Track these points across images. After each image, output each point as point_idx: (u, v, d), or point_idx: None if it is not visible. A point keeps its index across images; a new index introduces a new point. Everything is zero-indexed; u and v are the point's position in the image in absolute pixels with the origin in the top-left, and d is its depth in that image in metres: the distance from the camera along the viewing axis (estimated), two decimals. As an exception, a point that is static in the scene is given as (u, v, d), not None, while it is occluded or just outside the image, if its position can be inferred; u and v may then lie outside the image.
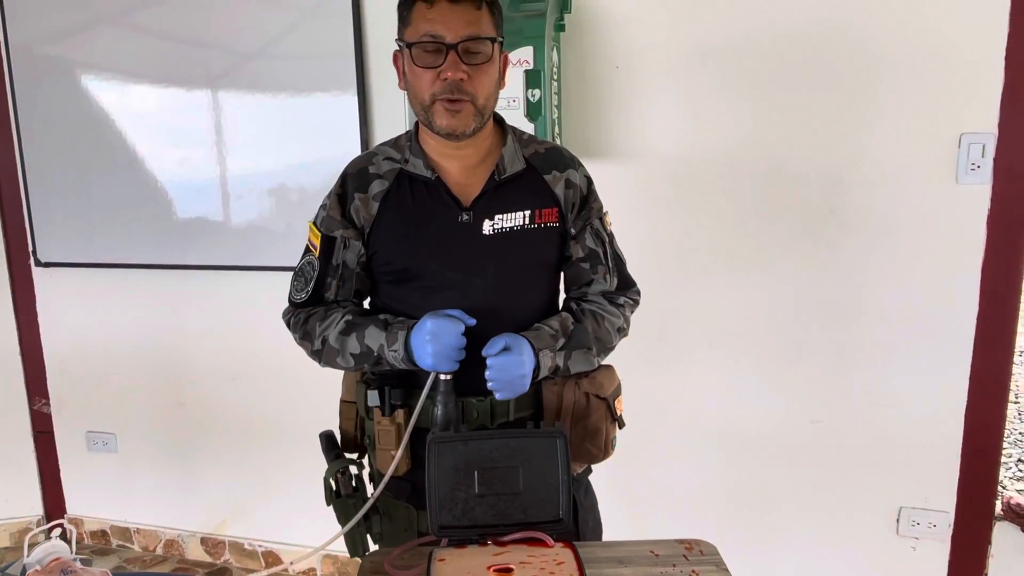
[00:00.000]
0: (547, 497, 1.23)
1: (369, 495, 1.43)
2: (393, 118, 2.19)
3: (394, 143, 1.39)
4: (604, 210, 1.44)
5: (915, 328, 1.98)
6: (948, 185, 1.89)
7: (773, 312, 2.07)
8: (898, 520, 2.06)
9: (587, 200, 1.40)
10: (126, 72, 2.43)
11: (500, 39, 1.28)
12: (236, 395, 2.56)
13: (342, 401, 1.49)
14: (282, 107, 2.30)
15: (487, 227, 1.32)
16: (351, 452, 1.48)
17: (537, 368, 1.30)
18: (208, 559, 2.68)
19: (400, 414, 1.34)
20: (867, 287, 2.00)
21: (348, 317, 1.34)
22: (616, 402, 1.44)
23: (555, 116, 1.98)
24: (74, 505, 2.81)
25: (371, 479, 1.49)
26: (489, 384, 1.27)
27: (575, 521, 1.40)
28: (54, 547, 1.21)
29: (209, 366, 2.57)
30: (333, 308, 1.37)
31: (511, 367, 1.26)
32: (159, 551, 2.73)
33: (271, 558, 2.62)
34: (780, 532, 2.15)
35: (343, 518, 1.41)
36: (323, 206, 1.37)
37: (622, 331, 1.43)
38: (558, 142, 1.99)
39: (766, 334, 2.09)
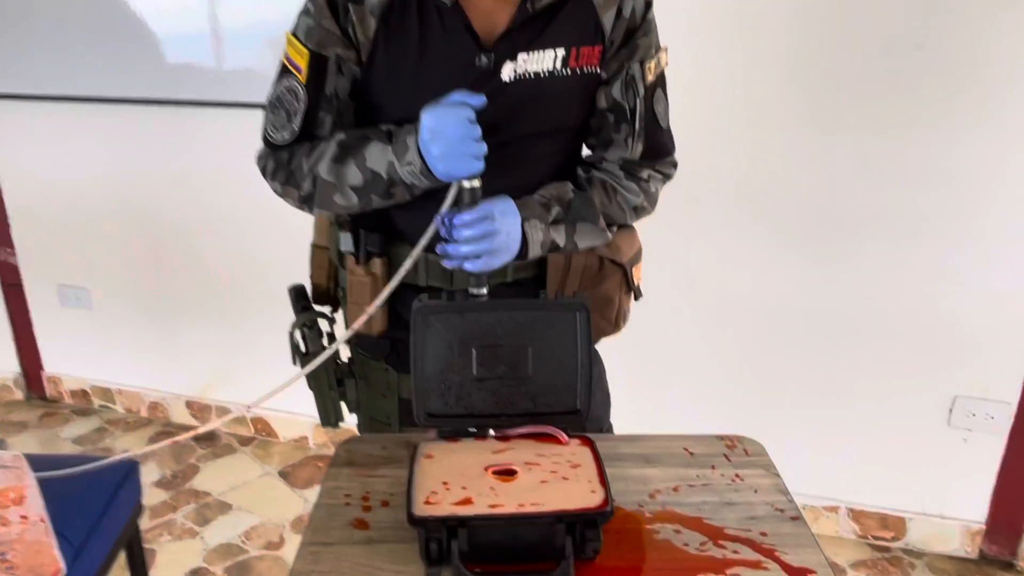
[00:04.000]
0: (562, 383, 0.99)
1: (343, 357, 1.25)
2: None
3: None
4: (658, 48, 1.10)
5: (995, 194, 1.68)
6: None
7: (826, 171, 1.77)
8: (951, 410, 1.85)
9: (633, 35, 1.06)
10: None
11: None
12: (216, 249, 2.32)
13: (313, 246, 1.26)
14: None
15: (507, 72, 1.01)
16: (323, 305, 1.27)
17: (525, 243, 1.03)
18: (195, 423, 2.53)
19: (377, 264, 1.11)
20: (942, 144, 1.68)
21: (340, 138, 1.04)
22: (634, 270, 1.20)
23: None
24: (51, 363, 2.64)
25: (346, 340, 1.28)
26: (449, 248, 0.99)
27: None
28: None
29: (185, 217, 2.32)
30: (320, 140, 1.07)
31: (486, 224, 0.98)
32: (143, 413, 2.58)
33: (260, 424, 2.46)
34: (817, 417, 1.94)
35: (313, 381, 1.23)
36: (306, 12, 1.05)
37: (641, 210, 1.15)
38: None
39: (817, 196, 1.80)
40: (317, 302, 1.27)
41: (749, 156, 1.81)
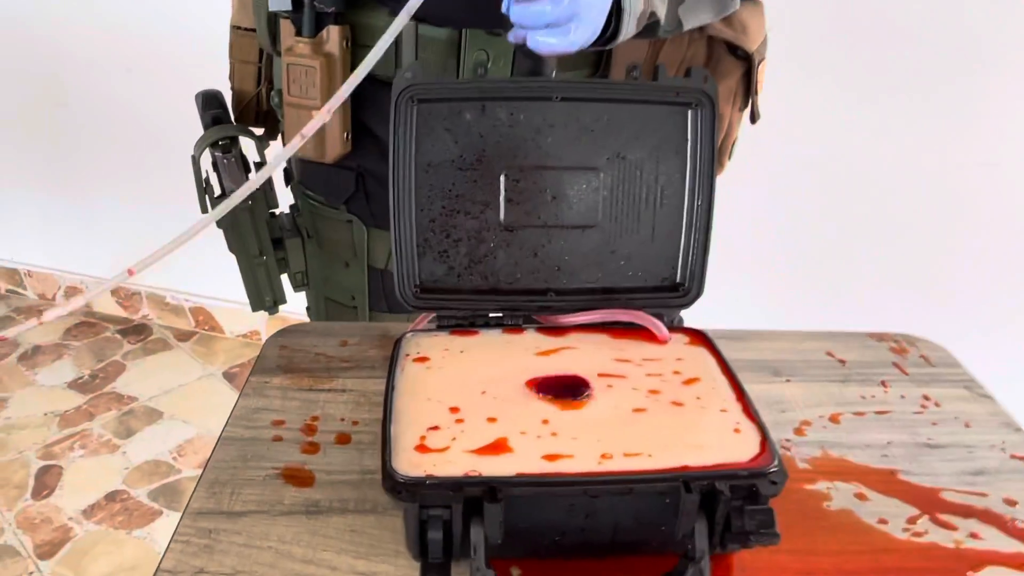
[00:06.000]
0: (653, 238, 0.56)
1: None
2: None
3: None
4: None
5: None
6: None
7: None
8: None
9: None
10: None
11: None
12: (138, 90, 1.82)
13: (233, 28, 0.79)
14: None
15: None
16: (252, 125, 0.83)
17: (619, 11, 0.57)
18: (122, 313, 2.09)
19: (333, 34, 0.66)
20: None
21: None
22: (759, 68, 0.75)
23: None
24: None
25: (287, 177, 0.84)
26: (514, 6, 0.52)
27: None
28: None
29: (94, 50, 1.81)
30: None
31: None
32: (59, 300, 2.13)
33: (201, 315, 2.03)
34: (911, 319, 1.54)
35: (235, 242, 0.80)
36: None
37: None
38: None
39: (926, 33, 1.34)
40: (241, 119, 0.82)
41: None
